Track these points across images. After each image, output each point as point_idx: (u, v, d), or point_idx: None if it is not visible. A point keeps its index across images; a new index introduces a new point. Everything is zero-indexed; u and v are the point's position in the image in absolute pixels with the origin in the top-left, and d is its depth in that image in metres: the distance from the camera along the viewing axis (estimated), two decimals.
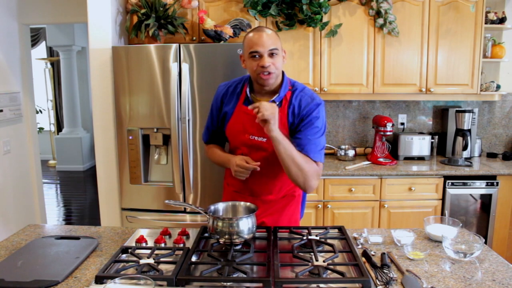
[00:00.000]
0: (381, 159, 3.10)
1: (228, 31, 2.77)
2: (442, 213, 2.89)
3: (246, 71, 2.56)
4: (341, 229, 1.62)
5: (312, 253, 1.39)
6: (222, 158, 1.76)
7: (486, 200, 2.92)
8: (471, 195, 2.93)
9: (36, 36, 6.99)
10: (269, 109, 1.45)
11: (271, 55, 1.57)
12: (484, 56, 3.14)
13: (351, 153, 3.21)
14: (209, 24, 2.76)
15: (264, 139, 1.64)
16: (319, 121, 1.64)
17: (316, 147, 1.62)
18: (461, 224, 1.62)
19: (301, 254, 1.40)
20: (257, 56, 1.57)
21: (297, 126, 1.64)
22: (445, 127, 3.36)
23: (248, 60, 1.61)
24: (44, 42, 7.13)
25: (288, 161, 1.54)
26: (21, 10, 3.36)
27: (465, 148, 3.09)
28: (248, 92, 1.68)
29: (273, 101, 1.63)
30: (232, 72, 2.53)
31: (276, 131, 1.48)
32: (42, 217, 3.71)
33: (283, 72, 1.69)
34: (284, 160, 1.54)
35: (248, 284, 1.22)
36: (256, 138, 1.66)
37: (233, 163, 1.63)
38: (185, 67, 2.54)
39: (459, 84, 3.05)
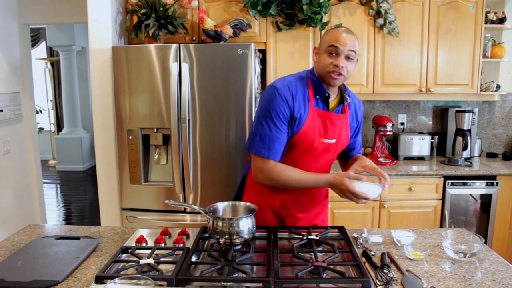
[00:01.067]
0: (381, 159, 3.10)
1: (228, 31, 2.77)
2: (442, 213, 2.89)
3: (248, 69, 2.56)
4: (341, 229, 1.62)
5: (312, 253, 1.39)
6: (310, 180, 1.54)
7: (486, 200, 2.92)
8: (471, 195, 2.93)
9: (36, 36, 6.99)
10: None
11: (348, 58, 1.51)
12: (484, 56, 3.14)
13: None
14: (209, 24, 2.76)
15: (334, 140, 1.62)
16: (362, 118, 1.78)
17: (361, 142, 1.84)
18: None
19: (301, 254, 1.40)
20: (334, 54, 1.51)
21: (354, 128, 1.73)
22: (445, 127, 3.36)
23: (324, 55, 1.53)
24: (44, 42, 7.13)
25: None
26: (21, 10, 3.36)
27: (465, 148, 3.09)
28: (325, 93, 1.59)
29: (348, 104, 1.66)
30: (232, 72, 2.53)
31: None
32: (42, 217, 3.71)
33: None
34: None
35: (248, 284, 1.22)
36: (328, 141, 1.61)
37: (345, 187, 1.45)
38: (185, 67, 2.54)
39: (459, 84, 3.05)
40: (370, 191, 1.45)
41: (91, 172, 6.81)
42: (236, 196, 1.87)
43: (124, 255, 1.42)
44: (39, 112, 7.41)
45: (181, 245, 1.51)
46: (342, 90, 1.65)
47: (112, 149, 2.79)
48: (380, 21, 2.93)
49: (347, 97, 1.63)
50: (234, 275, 1.25)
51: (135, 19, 2.80)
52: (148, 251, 1.41)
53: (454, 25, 2.98)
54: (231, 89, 2.55)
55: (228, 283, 1.22)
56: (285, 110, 1.51)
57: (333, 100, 1.63)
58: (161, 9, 2.71)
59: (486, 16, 3.04)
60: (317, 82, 1.58)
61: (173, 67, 2.55)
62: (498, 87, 3.17)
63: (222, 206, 1.58)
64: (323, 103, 1.60)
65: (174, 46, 2.55)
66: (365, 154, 3.35)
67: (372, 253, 1.46)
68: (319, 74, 1.57)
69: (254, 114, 2.45)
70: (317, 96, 1.58)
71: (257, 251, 1.44)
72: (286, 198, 1.69)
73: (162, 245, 1.50)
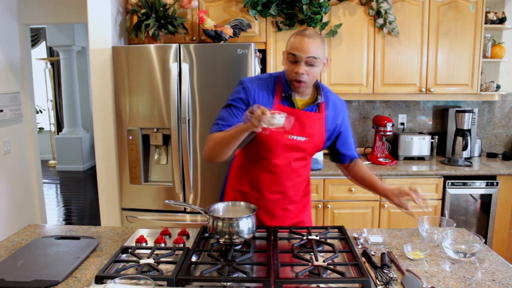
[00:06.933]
0: (381, 159, 3.10)
1: (228, 31, 2.77)
2: (442, 213, 2.89)
3: (248, 69, 2.57)
4: (341, 229, 1.63)
5: (312, 253, 1.39)
6: (231, 131, 1.47)
7: (486, 200, 2.92)
8: (471, 195, 2.93)
9: (36, 36, 6.99)
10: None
11: (309, 63, 1.51)
12: (484, 56, 3.14)
13: None
14: (209, 24, 2.76)
15: (303, 139, 1.63)
16: (348, 121, 1.77)
17: (354, 145, 1.81)
18: (454, 224, 1.63)
19: (301, 254, 1.40)
20: (294, 61, 1.52)
21: (333, 131, 1.70)
22: (445, 127, 3.36)
23: (286, 60, 1.56)
24: (44, 42, 7.13)
25: None
26: (21, 10, 3.36)
27: (465, 148, 3.09)
28: (289, 92, 1.62)
29: (318, 104, 1.64)
30: (232, 72, 2.53)
31: None
32: (42, 217, 3.71)
33: None
34: None
35: (248, 284, 1.22)
36: (295, 137, 1.63)
37: (252, 115, 1.32)
38: (185, 67, 2.54)
39: (459, 84, 3.05)
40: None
41: (91, 172, 6.81)
42: (221, 198, 1.88)
43: (124, 255, 1.42)
44: (39, 112, 7.41)
45: (181, 245, 1.51)
46: (318, 90, 1.66)
47: (112, 149, 2.79)
48: (380, 21, 2.93)
49: (320, 97, 1.64)
50: (234, 275, 1.25)
51: (135, 19, 2.80)
52: (148, 251, 1.41)
53: (454, 25, 2.98)
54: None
55: (228, 283, 1.22)
56: (247, 99, 1.60)
57: (304, 99, 1.65)
58: (161, 9, 2.71)
59: (486, 16, 3.04)
60: (285, 82, 1.63)
61: (173, 67, 2.55)
62: (498, 87, 3.17)
63: (222, 206, 1.58)
64: (289, 101, 1.63)
65: (174, 46, 2.55)
66: (365, 154, 3.35)
67: (372, 253, 1.46)
68: (287, 78, 1.61)
69: None
70: (283, 94, 1.62)
71: (257, 251, 1.44)
72: (261, 197, 1.70)
73: (162, 245, 1.50)
